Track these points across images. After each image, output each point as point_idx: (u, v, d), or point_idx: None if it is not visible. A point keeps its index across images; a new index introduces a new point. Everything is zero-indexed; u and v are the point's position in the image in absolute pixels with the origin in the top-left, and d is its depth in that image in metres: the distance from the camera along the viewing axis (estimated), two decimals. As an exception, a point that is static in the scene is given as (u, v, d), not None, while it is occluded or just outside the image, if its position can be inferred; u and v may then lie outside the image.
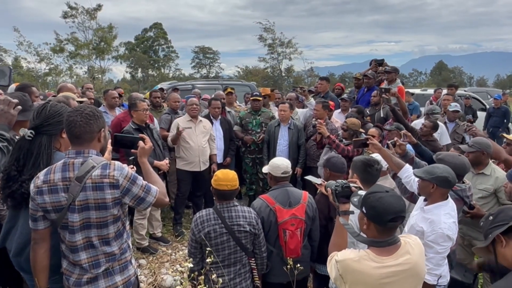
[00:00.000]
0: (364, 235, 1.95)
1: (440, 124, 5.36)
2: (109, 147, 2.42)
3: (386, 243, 1.82)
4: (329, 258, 2.00)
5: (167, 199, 2.22)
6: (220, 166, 5.46)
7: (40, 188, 1.92)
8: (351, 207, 2.13)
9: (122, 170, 1.97)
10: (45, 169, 1.99)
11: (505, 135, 3.92)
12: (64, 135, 2.18)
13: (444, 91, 9.48)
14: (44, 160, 2.12)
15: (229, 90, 6.89)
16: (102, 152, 2.11)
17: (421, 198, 2.77)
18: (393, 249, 1.83)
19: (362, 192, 2.03)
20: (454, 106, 5.80)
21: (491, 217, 1.84)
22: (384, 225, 1.80)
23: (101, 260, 2.01)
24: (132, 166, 2.39)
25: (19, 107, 2.52)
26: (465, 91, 12.60)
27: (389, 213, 1.77)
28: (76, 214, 1.92)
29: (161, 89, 7.54)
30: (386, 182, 3.60)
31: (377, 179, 3.02)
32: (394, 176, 3.32)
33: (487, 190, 3.43)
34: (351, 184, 2.22)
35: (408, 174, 3.06)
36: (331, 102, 5.82)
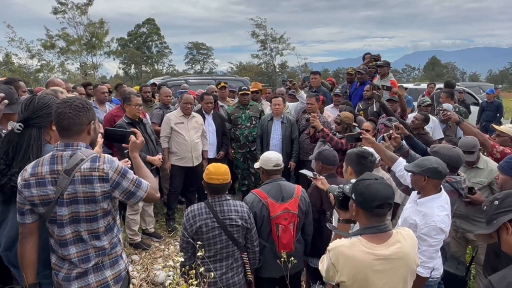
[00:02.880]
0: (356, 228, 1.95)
1: (433, 118, 5.39)
2: (100, 140, 2.38)
3: (376, 229, 1.83)
4: (321, 258, 2.00)
5: (158, 195, 2.20)
6: (214, 160, 5.44)
7: (28, 181, 1.89)
8: None
9: (112, 163, 1.94)
10: (33, 162, 1.96)
11: (495, 126, 3.92)
12: (54, 128, 2.14)
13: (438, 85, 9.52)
14: (34, 153, 2.09)
15: (222, 84, 6.86)
16: (92, 145, 2.08)
17: (414, 192, 2.76)
18: (385, 237, 1.84)
19: (354, 181, 2.02)
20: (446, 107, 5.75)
21: (496, 202, 1.72)
22: (371, 211, 1.82)
23: (91, 254, 1.97)
24: (126, 159, 2.36)
25: (6, 101, 2.48)
26: (458, 85, 12.66)
27: (376, 200, 1.79)
28: (64, 208, 1.88)
29: (154, 84, 7.48)
30: (378, 174, 3.60)
31: (371, 172, 3.01)
32: (390, 169, 3.32)
33: (481, 183, 3.43)
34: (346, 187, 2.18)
35: (402, 168, 3.06)
36: (320, 97, 5.82)
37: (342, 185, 2.17)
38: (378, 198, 1.79)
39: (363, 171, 2.80)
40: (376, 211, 1.81)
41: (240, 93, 6.04)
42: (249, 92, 6.03)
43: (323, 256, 1.96)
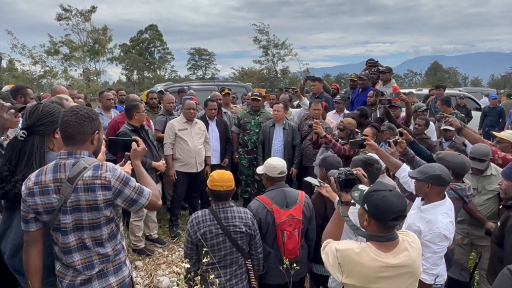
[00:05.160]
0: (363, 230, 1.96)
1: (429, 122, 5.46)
2: (103, 148, 2.40)
3: (385, 238, 1.84)
4: (323, 244, 2.01)
5: (160, 202, 2.20)
6: (217, 167, 5.44)
7: (31, 189, 1.90)
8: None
9: (114, 171, 1.95)
10: (37, 170, 1.97)
11: (495, 133, 3.93)
12: (57, 135, 2.17)
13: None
14: (37, 160, 2.10)
15: (226, 91, 6.88)
16: (95, 154, 2.09)
17: (418, 198, 2.77)
18: (392, 245, 1.85)
19: (363, 187, 2.02)
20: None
21: None
22: (385, 223, 1.81)
23: (95, 261, 1.98)
24: (129, 162, 2.38)
25: (12, 110, 2.51)
26: (459, 91, 12.67)
27: (391, 213, 1.78)
28: (68, 216, 1.89)
29: (161, 92, 7.51)
30: (384, 181, 3.60)
31: (377, 178, 3.02)
32: (395, 176, 3.32)
33: (497, 190, 3.41)
34: (355, 171, 2.19)
35: (405, 174, 3.06)
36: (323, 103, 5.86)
37: (341, 168, 2.20)
38: (394, 211, 1.78)
39: (369, 178, 2.82)
40: (390, 223, 1.81)
41: (251, 98, 6.07)
42: (260, 98, 6.03)
43: (326, 248, 1.95)
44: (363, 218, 1.91)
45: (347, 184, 2.13)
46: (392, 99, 5.84)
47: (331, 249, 1.91)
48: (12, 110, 2.49)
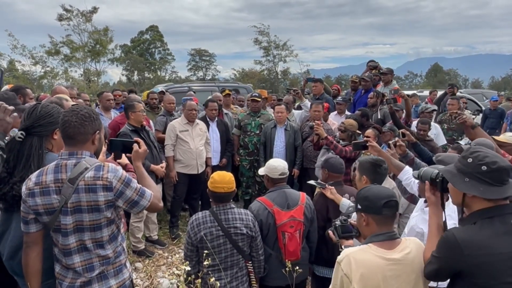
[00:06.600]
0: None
1: (435, 125, 5.50)
2: (104, 148, 2.38)
3: (386, 236, 1.84)
4: None
5: (161, 204, 2.19)
6: (217, 167, 5.43)
7: (32, 190, 1.88)
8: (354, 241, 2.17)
9: (116, 172, 1.93)
10: (37, 171, 1.95)
11: (495, 137, 3.89)
12: (56, 136, 2.15)
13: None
14: (35, 161, 2.08)
15: (227, 92, 6.85)
16: (96, 154, 2.07)
17: (422, 199, 2.75)
18: (394, 244, 1.85)
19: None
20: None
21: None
22: (380, 213, 1.85)
23: (95, 263, 1.96)
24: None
25: (15, 114, 2.48)
26: (460, 92, 12.65)
27: (381, 198, 1.85)
28: (68, 217, 1.87)
29: (162, 92, 7.51)
30: (386, 182, 3.57)
31: (384, 179, 3.01)
32: (395, 177, 3.30)
33: None
34: (351, 221, 2.23)
35: (408, 176, 3.03)
36: (325, 104, 5.85)
37: (340, 217, 2.26)
38: (383, 196, 1.86)
39: (378, 179, 2.81)
40: (385, 210, 1.84)
41: (250, 98, 6.04)
42: (259, 99, 6.00)
43: (333, 274, 1.93)
44: (361, 221, 1.94)
45: (344, 230, 2.20)
46: (396, 97, 5.86)
47: (334, 273, 1.89)
48: (15, 114, 2.46)
